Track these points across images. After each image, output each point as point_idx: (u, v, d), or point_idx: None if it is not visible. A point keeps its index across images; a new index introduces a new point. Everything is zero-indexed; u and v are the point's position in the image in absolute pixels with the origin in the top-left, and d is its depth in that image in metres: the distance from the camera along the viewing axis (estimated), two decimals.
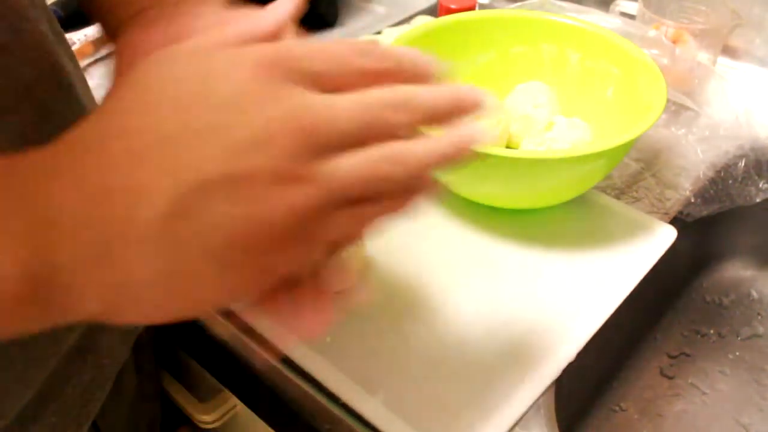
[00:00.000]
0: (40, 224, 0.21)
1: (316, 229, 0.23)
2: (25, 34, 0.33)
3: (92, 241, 0.21)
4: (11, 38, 0.33)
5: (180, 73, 0.23)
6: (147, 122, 0.22)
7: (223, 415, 0.59)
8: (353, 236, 0.26)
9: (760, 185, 0.63)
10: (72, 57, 0.40)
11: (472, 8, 0.72)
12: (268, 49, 0.24)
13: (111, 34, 0.35)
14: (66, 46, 0.39)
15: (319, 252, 0.25)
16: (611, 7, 0.78)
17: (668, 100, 0.64)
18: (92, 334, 0.43)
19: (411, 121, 0.25)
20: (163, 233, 0.21)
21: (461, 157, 0.26)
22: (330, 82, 0.24)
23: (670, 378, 0.65)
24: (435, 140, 0.25)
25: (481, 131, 0.26)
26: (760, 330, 0.69)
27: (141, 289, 0.22)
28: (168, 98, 0.22)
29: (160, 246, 0.21)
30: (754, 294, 0.72)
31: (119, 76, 0.33)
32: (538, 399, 0.43)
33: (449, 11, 0.72)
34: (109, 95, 0.24)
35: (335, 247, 0.26)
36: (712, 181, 0.63)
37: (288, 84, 0.23)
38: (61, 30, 0.38)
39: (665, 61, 0.66)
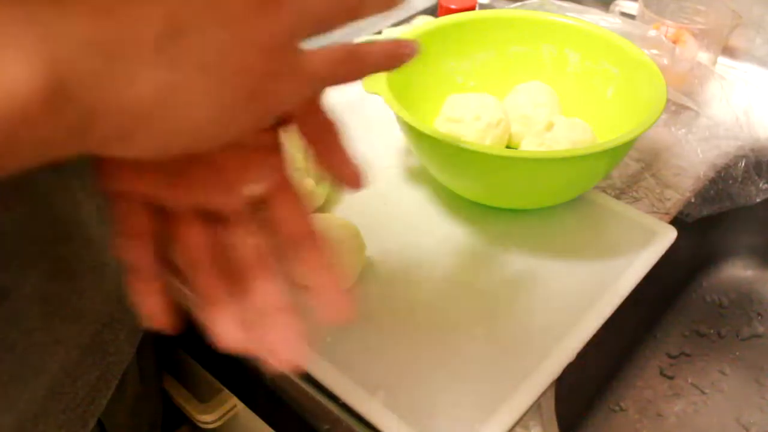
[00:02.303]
0: (51, 39, 0.21)
1: (297, 57, 0.26)
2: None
3: (99, 59, 0.22)
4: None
5: None
6: None
7: (223, 415, 0.59)
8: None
9: (760, 185, 0.63)
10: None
11: (472, 8, 0.72)
12: None
13: None
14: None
15: (307, 84, 0.27)
16: (611, 7, 0.78)
17: (668, 100, 0.64)
18: (101, 332, 0.43)
19: None
20: (159, 51, 0.23)
21: None
22: None
23: (670, 378, 0.65)
24: None
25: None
26: (760, 330, 0.69)
27: (146, 107, 0.23)
28: None
29: (159, 62, 0.23)
30: (754, 294, 0.72)
31: None
32: (538, 399, 0.43)
33: (449, 11, 0.72)
34: None
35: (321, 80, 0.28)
36: (712, 182, 0.63)
37: None
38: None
39: (665, 61, 0.66)
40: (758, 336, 0.68)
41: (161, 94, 0.23)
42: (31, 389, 0.38)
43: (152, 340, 0.56)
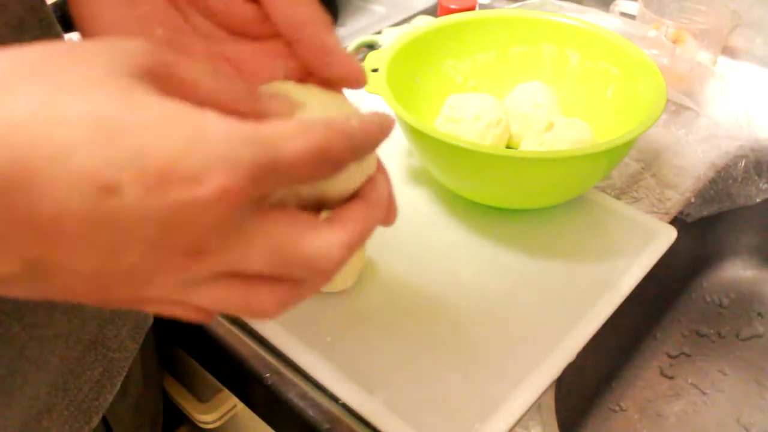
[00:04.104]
0: None
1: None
2: (39, 12, 0.33)
3: None
4: (27, 15, 0.32)
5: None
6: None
7: (223, 415, 0.59)
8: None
9: (760, 185, 0.63)
10: None
11: (472, 8, 0.72)
12: (254, 152, 0.19)
13: None
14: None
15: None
16: (611, 7, 0.78)
17: (668, 100, 0.64)
18: (103, 328, 0.43)
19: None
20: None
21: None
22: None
23: (670, 378, 0.65)
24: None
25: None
26: (760, 330, 0.69)
27: None
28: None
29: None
30: (754, 294, 0.72)
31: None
32: (538, 399, 0.43)
33: (449, 11, 0.72)
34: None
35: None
36: (712, 182, 0.63)
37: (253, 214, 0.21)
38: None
39: (665, 61, 0.66)
40: (758, 336, 0.68)
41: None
42: (33, 384, 0.38)
43: (154, 340, 0.56)
